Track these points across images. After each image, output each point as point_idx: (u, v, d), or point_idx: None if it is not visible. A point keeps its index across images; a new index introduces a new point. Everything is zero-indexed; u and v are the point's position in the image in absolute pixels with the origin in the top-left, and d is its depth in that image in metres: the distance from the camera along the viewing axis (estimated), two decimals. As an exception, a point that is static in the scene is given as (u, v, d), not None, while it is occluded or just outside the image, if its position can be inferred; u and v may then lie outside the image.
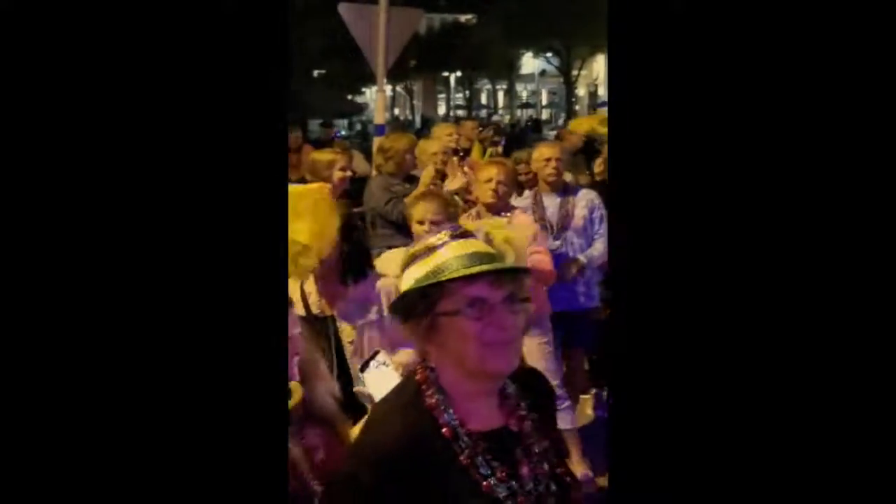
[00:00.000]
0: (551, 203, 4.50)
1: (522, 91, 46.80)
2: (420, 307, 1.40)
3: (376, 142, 5.66)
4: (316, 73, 22.77)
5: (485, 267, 1.37)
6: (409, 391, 1.45)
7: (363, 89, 32.57)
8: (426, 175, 4.54)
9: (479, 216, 3.93)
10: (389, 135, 5.72)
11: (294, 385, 1.95)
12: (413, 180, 4.82)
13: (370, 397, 2.24)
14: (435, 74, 35.44)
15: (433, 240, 1.45)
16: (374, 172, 5.17)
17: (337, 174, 4.48)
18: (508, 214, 3.86)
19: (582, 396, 4.79)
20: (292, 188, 2.39)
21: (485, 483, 1.36)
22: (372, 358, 2.38)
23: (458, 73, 37.07)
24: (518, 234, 3.00)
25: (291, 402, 1.76)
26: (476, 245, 1.46)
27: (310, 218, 2.55)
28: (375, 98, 7.56)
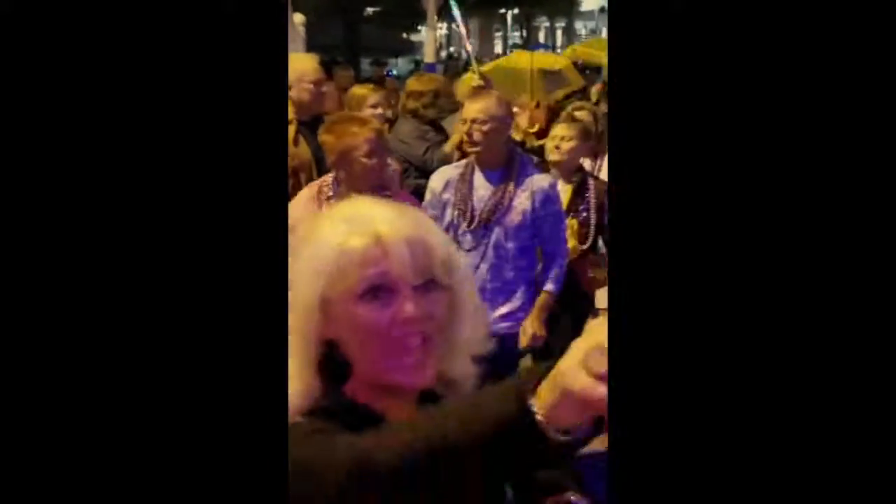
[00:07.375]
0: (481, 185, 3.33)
1: (581, 29, 45.59)
2: None
3: (407, 84, 5.31)
4: (371, 10, 22.49)
5: None
6: None
7: (419, 27, 32.13)
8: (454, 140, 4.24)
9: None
10: (420, 76, 5.52)
11: None
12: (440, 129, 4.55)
13: None
14: (492, 11, 34.70)
15: None
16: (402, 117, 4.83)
17: (367, 111, 4.27)
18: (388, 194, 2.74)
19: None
20: None
21: None
22: None
23: (516, 11, 36.25)
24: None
25: None
26: None
27: None
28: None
